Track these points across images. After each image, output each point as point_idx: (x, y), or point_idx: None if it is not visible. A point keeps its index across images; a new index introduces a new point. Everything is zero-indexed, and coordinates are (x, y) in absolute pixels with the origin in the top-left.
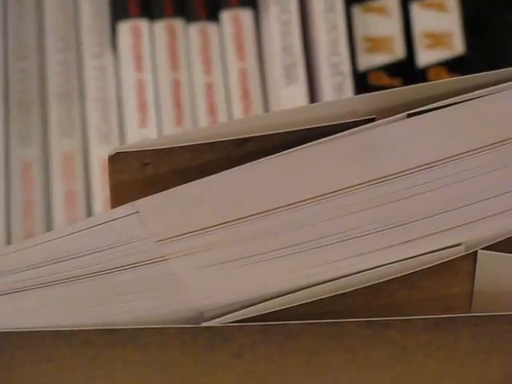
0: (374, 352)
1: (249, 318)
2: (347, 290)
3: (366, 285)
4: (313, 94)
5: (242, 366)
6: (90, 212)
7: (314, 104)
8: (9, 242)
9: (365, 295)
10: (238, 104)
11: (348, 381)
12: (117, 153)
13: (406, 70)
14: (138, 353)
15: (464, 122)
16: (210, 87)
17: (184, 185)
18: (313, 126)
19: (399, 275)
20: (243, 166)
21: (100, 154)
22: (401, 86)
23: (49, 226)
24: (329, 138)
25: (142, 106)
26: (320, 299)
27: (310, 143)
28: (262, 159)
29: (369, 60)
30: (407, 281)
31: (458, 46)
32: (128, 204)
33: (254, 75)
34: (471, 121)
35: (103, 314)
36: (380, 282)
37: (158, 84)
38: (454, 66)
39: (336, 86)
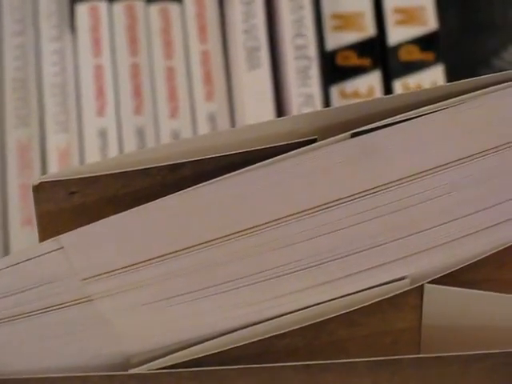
0: None
1: (180, 363)
2: (285, 331)
3: (304, 324)
4: (277, 79)
5: None
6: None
7: (252, 124)
8: None
9: (303, 335)
10: (200, 89)
11: None
12: (41, 182)
13: (376, 49)
14: None
15: (410, 141)
16: (170, 71)
17: (112, 216)
18: (250, 149)
19: (340, 313)
20: (177, 193)
21: (58, 144)
22: (371, 66)
23: (4, 221)
24: (267, 162)
25: (100, 94)
26: (256, 340)
27: (245, 168)
28: (195, 186)
29: (337, 39)
30: (348, 319)
31: (431, 22)
32: (51, 239)
33: (217, 58)
34: (420, 141)
35: (23, 361)
36: (319, 321)
37: (117, 69)
38: (427, 43)
39: (301, 70)
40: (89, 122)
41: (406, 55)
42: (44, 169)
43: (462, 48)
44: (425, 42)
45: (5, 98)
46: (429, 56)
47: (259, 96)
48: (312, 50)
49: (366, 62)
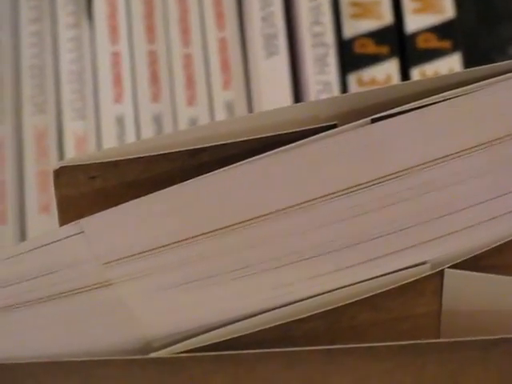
0: (335, 380)
1: (201, 347)
2: (306, 315)
3: (326, 308)
4: (294, 66)
5: None
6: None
7: (272, 109)
8: None
9: (325, 319)
10: (217, 76)
11: None
12: (61, 167)
13: (393, 37)
14: None
15: (431, 127)
16: (188, 59)
17: (133, 200)
18: (270, 134)
19: (361, 297)
20: (198, 178)
21: (75, 130)
22: (388, 54)
23: (21, 208)
24: (287, 147)
25: (117, 80)
26: (276, 325)
27: (266, 153)
28: (218, 170)
29: (354, 27)
30: (370, 302)
31: (448, 10)
32: (72, 223)
33: (234, 46)
34: (440, 126)
35: (44, 345)
36: (341, 305)
37: (134, 56)
38: (444, 31)
39: (319, 58)
40: (106, 109)
41: (423, 43)
42: (61, 156)
43: (478, 36)
44: (442, 30)
45: (22, 85)
46: (446, 44)
47: (277, 83)
48: (329, 38)
49: (384, 49)
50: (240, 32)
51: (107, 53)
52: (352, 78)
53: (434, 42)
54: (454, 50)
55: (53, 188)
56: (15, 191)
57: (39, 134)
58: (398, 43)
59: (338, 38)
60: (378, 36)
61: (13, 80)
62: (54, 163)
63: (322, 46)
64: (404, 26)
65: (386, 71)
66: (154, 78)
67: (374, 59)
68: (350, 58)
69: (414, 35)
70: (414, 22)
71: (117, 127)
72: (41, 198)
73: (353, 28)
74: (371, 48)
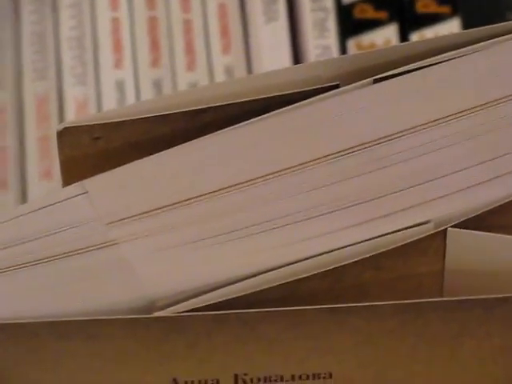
0: (338, 339)
1: (204, 306)
2: (309, 274)
3: (329, 268)
4: (294, 31)
5: (197, 355)
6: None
7: (274, 70)
8: None
9: (328, 278)
10: (217, 42)
11: (311, 368)
12: (65, 127)
13: (392, 2)
14: (87, 344)
15: (432, 87)
16: (188, 24)
17: (136, 161)
18: (273, 95)
19: (365, 256)
20: (200, 138)
21: (75, 96)
22: (387, 19)
23: (23, 173)
24: (291, 108)
25: (118, 46)
26: (280, 284)
27: (269, 113)
28: (219, 131)
29: None
30: (373, 261)
31: None
32: (76, 184)
33: (233, 11)
34: (440, 86)
35: (48, 304)
36: (344, 264)
37: (134, 22)
38: None
39: (318, 22)
40: (106, 74)
41: (422, 8)
42: (62, 121)
43: (477, 2)
44: None
45: (22, 52)
46: (445, 9)
47: (276, 48)
48: (329, 2)
49: (383, 15)
50: None
51: (107, 19)
52: (351, 43)
53: (433, 7)
54: (453, 14)
55: (54, 154)
56: (16, 157)
57: (40, 99)
58: (397, 8)
59: (337, 3)
60: (377, 1)
61: (13, 47)
62: (55, 129)
63: (322, 11)
64: None
65: (386, 36)
66: (154, 44)
67: (373, 24)
68: (350, 23)
69: (414, 0)
70: None
71: (117, 92)
72: (42, 164)
73: None
74: (370, 13)
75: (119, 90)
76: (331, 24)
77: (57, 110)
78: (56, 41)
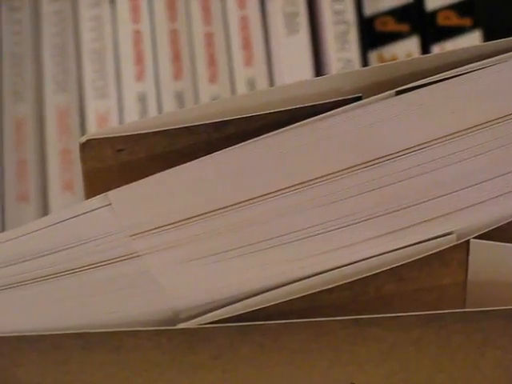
0: (362, 350)
1: (228, 318)
2: (332, 285)
3: (352, 279)
4: (316, 44)
5: (221, 366)
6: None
7: (296, 82)
8: (2, 203)
9: (351, 290)
10: (238, 54)
11: (335, 379)
12: (88, 140)
13: (414, 15)
14: (111, 356)
15: (455, 99)
16: (209, 37)
17: (159, 173)
18: (296, 107)
19: (387, 268)
20: (222, 151)
21: (96, 109)
22: (409, 32)
23: (43, 187)
24: (313, 119)
25: (139, 59)
26: (303, 295)
27: (293, 125)
28: (243, 143)
29: (375, 4)
30: (395, 273)
31: None
32: (99, 196)
33: (255, 24)
34: (463, 98)
35: (72, 316)
36: (367, 276)
37: (156, 35)
38: (464, 8)
39: (340, 35)
40: (128, 87)
41: (443, 21)
42: (83, 134)
43: (498, 13)
44: (462, 8)
45: (43, 64)
46: (466, 21)
47: (298, 61)
48: (350, 15)
49: (404, 27)
50: (261, 10)
51: (129, 31)
52: (373, 56)
53: (454, 20)
54: (474, 27)
55: (75, 166)
56: (37, 170)
57: (61, 112)
58: (418, 21)
59: (358, 16)
60: (398, 14)
61: (34, 59)
62: (76, 142)
63: (343, 24)
64: (424, 3)
65: (407, 49)
66: (176, 56)
67: (394, 37)
68: (371, 35)
69: (435, 13)
70: (434, 0)
71: (139, 105)
72: (63, 177)
73: (373, 6)
74: (392, 26)
75: (141, 102)
76: (353, 37)
77: (78, 123)
78: (77, 53)
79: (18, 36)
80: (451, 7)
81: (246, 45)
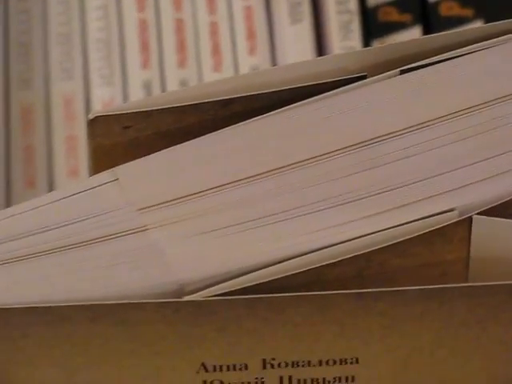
0: (364, 324)
1: (233, 291)
2: (336, 260)
3: (356, 254)
4: (319, 33)
5: (226, 339)
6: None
7: (302, 61)
8: (9, 188)
9: (354, 264)
10: (242, 44)
11: (338, 353)
12: (96, 116)
13: (417, 5)
14: (117, 328)
15: (458, 78)
16: (214, 26)
17: (166, 149)
18: (301, 85)
19: (390, 243)
20: (229, 128)
21: (102, 97)
22: (411, 22)
23: (50, 172)
24: (317, 98)
25: (145, 47)
26: (308, 269)
27: (298, 103)
28: (249, 120)
29: None
30: (399, 248)
31: None
32: (107, 171)
33: (259, 14)
34: (465, 78)
35: (79, 288)
36: (370, 251)
37: (161, 24)
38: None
39: (343, 25)
40: (133, 75)
41: (446, 11)
42: None
43: (500, 5)
44: None
45: (50, 53)
46: (468, 12)
47: (301, 50)
48: (353, 5)
49: (407, 17)
50: (265, 0)
51: (134, 20)
52: (376, 45)
53: (456, 10)
54: (476, 17)
55: (80, 152)
56: (44, 156)
57: (67, 99)
58: (421, 11)
59: (361, 6)
60: (401, 4)
61: (41, 47)
62: (82, 128)
63: (347, 13)
64: None
65: (410, 39)
66: (181, 45)
67: (397, 27)
68: (374, 25)
69: (437, 3)
70: None
71: (144, 92)
72: (69, 163)
73: None
74: (395, 16)
75: (146, 90)
76: (356, 26)
77: (84, 110)
78: (83, 42)
79: (26, 25)
80: None
81: (250, 34)
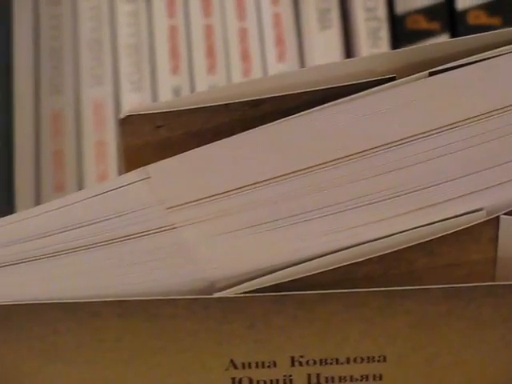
0: (392, 322)
1: (262, 288)
2: (365, 258)
3: (384, 252)
4: (348, 40)
5: (254, 336)
6: (120, 162)
7: (331, 63)
8: (38, 193)
9: (383, 263)
10: (272, 50)
11: (366, 351)
12: (128, 115)
13: (445, 14)
14: (147, 324)
15: (488, 80)
16: (243, 33)
17: (197, 148)
18: (329, 86)
19: (418, 242)
20: (258, 128)
21: (132, 102)
22: (439, 30)
23: (79, 177)
24: (347, 99)
25: (174, 53)
26: (336, 267)
27: (327, 104)
28: (278, 121)
29: (407, 3)
30: (427, 248)
31: None
32: (138, 169)
33: (288, 20)
34: (495, 79)
35: (111, 284)
36: (399, 250)
37: (191, 30)
38: (494, 8)
39: (371, 32)
40: (163, 80)
41: (474, 19)
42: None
43: None
44: (492, 7)
45: (80, 58)
46: (495, 20)
47: (330, 56)
48: (382, 12)
49: (435, 25)
50: (294, 7)
51: (164, 26)
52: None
53: (484, 19)
54: (503, 26)
55: (110, 158)
56: (73, 161)
57: (97, 105)
58: (449, 20)
59: (390, 14)
60: (429, 12)
61: (72, 53)
62: (111, 134)
63: (375, 20)
64: (455, 2)
65: None
66: (210, 51)
67: (425, 34)
68: (402, 33)
69: (465, 12)
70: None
71: (173, 97)
72: (98, 168)
73: (405, 4)
74: (423, 24)
75: (175, 95)
76: (384, 33)
77: (113, 116)
78: (113, 48)
79: (56, 31)
80: (481, 7)
81: (279, 41)
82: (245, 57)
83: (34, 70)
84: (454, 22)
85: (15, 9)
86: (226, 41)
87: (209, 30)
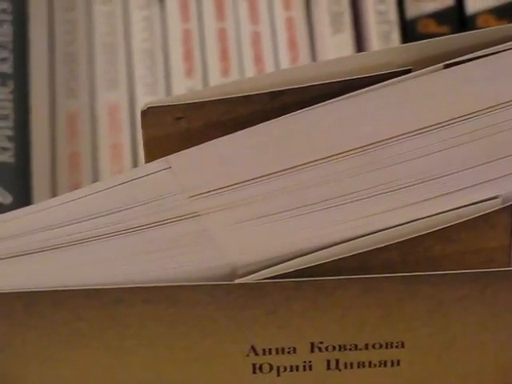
0: (410, 307)
1: (283, 274)
2: (383, 245)
3: (402, 239)
4: (360, 43)
5: (276, 322)
6: (135, 164)
7: (349, 55)
8: (55, 195)
9: (401, 250)
10: (284, 53)
11: (384, 337)
12: (149, 107)
13: (454, 18)
14: (171, 310)
15: (503, 72)
16: (256, 36)
17: (218, 139)
18: (348, 78)
19: (436, 229)
20: (278, 119)
21: None
22: (449, 35)
23: (95, 179)
24: (364, 90)
25: (188, 57)
26: (355, 254)
27: (345, 95)
28: (298, 112)
29: (417, 7)
30: (444, 234)
31: None
32: (160, 159)
33: (301, 24)
34: (509, 70)
35: (135, 271)
36: (416, 237)
37: (204, 34)
38: (503, 12)
39: (383, 35)
40: (177, 83)
41: (482, 23)
42: (133, 129)
43: None
44: (501, 12)
45: (95, 62)
46: (504, 24)
47: None
48: (393, 15)
49: (445, 30)
50: (306, 11)
51: (178, 30)
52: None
53: (492, 23)
54: None
55: (125, 160)
56: (89, 163)
57: (112, 108)
58: (458, 24)
59: (401, 18)
60: (439, 16)
61: (86, 57)
62: (126, 137)
63: (387, 23)
64: (465, 7)
65: None
66: (224, 55)
67: None
68: (413, 36)
69: (474, 16)
70: (474, 4)
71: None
72: (113, 169)
73: (415, 9)
74: (433, 28)
75: None
76: (395, 36)
77: (128, 119)
78: (128, 52)
79: (71, 35)
80: (490, 11)
81: (292, 44)
82: (258, 60)
83: (49, 74)
84: (464, 26)
85: (31, 14)
86: (240, 44)
87: (222, 34)
